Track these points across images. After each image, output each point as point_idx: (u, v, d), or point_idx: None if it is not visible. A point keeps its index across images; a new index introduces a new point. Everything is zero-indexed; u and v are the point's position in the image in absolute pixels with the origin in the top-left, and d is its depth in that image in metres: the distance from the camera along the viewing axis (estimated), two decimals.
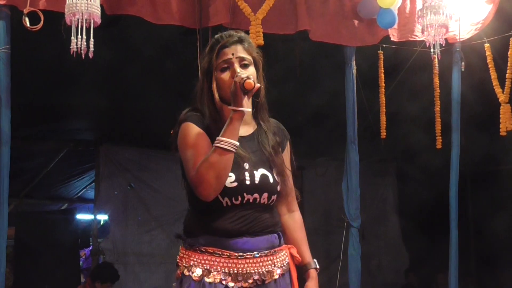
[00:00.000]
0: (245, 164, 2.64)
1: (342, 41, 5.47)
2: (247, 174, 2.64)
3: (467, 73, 5.79)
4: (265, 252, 2.66)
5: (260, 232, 2.66)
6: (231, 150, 2.51)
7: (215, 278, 2.59)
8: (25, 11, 4.28)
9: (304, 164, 9.46)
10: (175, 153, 2.70)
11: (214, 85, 2.70)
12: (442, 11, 5.06)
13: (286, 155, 2.86)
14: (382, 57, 5.74)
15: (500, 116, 5.63)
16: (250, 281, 2.62)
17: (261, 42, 4.74)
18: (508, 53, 5.52)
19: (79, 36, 4.00)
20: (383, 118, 5.84)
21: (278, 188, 2.73)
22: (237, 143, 2.53)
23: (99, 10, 4.09)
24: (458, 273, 5.72)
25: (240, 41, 2.72)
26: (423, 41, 5.36)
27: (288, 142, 2.90)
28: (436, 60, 5.63)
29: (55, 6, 4.38)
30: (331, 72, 6.16)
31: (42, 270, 8.56)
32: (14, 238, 8.72)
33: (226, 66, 2.68)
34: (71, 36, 4.02)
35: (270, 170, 2.71)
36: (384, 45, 5.71)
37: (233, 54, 2.68)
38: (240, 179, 2.62)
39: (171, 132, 2.74)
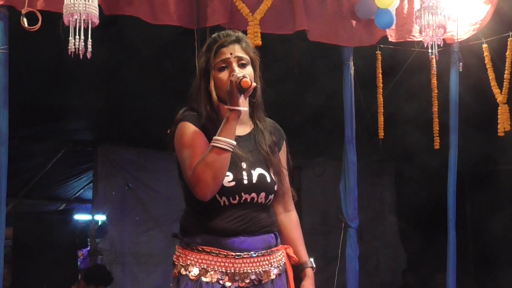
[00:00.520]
0: (242, 163, 2.64)
1: (340, 42, 5.48)
2: (244, 173, 2.64)
3: (465, 73, 5.79)
4: (262, 252, 2.66)
5: (257, 232, 2.66)
6: (228, 149, 2.51)
7: (212, 278, 2.59)
8: (23, 11, 4.28)
9: (302, 164, 9.46)
10: (172, 153, 2.70)
11: (211, 85, 2.70)
12: (440, 11, 5.07)
13: (283, 155, 2.86)
14: (380, 57, 5.75)
15: (498, 116, 5.64)
16: (247, 280, 2.62)
17: (259, 42, 4.74)
18: (506, 53, 5.53)
19: (77, 37, 4.01)
20: (381, 119, 5.85)
21: (275, 187, 2.73)
22: (234, 142, 2.53)
23: (97, 10, 4.10)
24: (456, 273, 5.73)
25: (238, 40, 2.72)
26: (421, 41, 5.36)
27: (284, 141, 2.90)
28: (434, 60, 5.64)
29: (53, 6, 4.38)
30: (329, 72, 6.17)
31: (40, 271, 8.56)
32: (12, 238, 8.72)
33: (224, 65, 2.68)
34: (69, 36, 4.03)
35: (267, 169, 2.71)
36: (382, 46, 5.72)
37: (231, 54, 2.68)
38: (237, 179, 2.62)
39: (168, 131, 2.74)
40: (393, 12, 5.33)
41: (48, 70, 6.08)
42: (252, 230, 2.64)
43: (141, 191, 8.76)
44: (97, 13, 4.10)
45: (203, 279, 2.59)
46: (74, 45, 4.00)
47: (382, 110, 5.85)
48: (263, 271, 2.65)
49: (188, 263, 2.63)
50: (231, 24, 4.92)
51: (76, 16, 4.01)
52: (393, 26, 5.46)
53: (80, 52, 4.02)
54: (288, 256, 2.79)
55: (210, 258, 2.61)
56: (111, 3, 4.69)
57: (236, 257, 2.61)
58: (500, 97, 5.64)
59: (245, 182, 2.63)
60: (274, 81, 2.88)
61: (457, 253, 5.76)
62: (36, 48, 5.45)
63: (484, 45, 5.68)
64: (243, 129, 2.74)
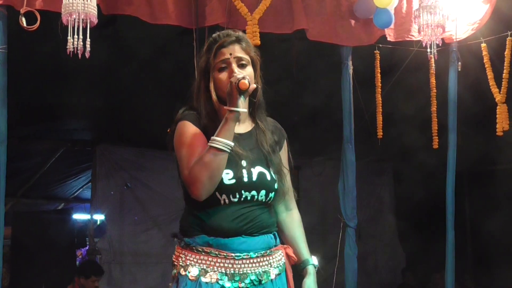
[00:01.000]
0: (242, 161, 2.64)
1: (338, 41, 5.48)
2: (244, 171, 2.64)
3: (464, 73, 5.79)
4: (261, 252, 2.66)
5: (257, 232, 2.65)
6: (225, 150, 2.51)
7: (211, 278, 2.59)
8: (22, 11, 4.28)
9: (300, 163, 9.46)
10: (172, 152, 2.69)
11: (211, 85, 2.69)
12: (438, 11, 5.07)
13: (284, 154, 2.86)
14: (379, 57, 5.75)
15: (497, 116, 5.64)
16: (247, 281, 2.62)
17: (258, 42, 4.74)
18: (505, 53, 5.53)
19: (76, 36, 4.01)
20: (379, 118, 5.85)
21: (276, 185, 2.72)
22: (232, 143, 2.52)
23: (96, 10, 4.09)
24: (454, 272, 5.74)
25: (238, 40, 2.71)
26: (419, 41, 5.36)
27: (285, 141, 2.90)
28: (433, 60, 5.64)
29: (51, 6, 4.38)
30: (327, 72, 6.17)
31: (38, 270, 8.55)
32: (11, 238, 8.71)
33: (223, 66, 2.67)
34: (67, 36, 4.02)
35: (267, 168, 2.70)
36: (380, 45, 5.71)
37: (230, 54, 2.67)
38: (238, 176, 2.61)
39: (168, 131, 2.74)
40: (392, 12, 5.34)
41: (47, 69, 6.08)
42: (252, 231, 2.64)
43: (140, 191, 8.76)
44: (96, 13, 4.09)
45: (203, 279, 2.58)
46: (73, 44, 4.00)
47: (381, 110, 5.85)
48: (262, 271, 2.65)
49: (188, 263, 2.63)
50: (229, 23, 4.92)
51: (74, 16, 4.01)
52: (392, 26, 5.47)
53: (78, 51, 4.01)
54: (288, 256, 2.79)
55: (209, 259, 2.61)
56: (110, 2, 4.68)
57: (236, 257, 2.61)
58: (498, 96, 5.64)
59: (245, 179, 2.63)
60: (272, 81, 2.88)
61: (456, 252, 5.76)
62: (34, 47, 5.45)
63: (483, 45, 5.68)
64: (244, 127, 2.74)
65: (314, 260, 2.87)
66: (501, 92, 5.62)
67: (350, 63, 5.53)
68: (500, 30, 5.62)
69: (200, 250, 2.62)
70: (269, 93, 2.86)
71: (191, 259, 2.63)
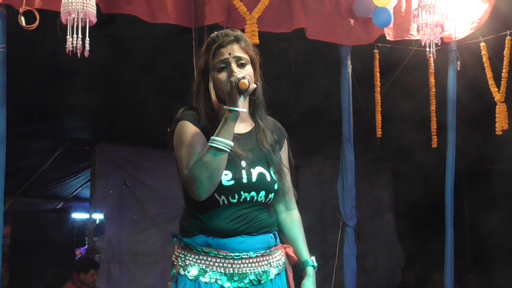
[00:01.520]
0: (242, 162, 2.63)
1: (338, 40, 5.49)
2: (244, 172, 2.63)
3: (463, 72, 5.80)
4: (261, 252, 2.65)
5: (256, 232, 2.65)
6: (225, 150, 2.49)
7: (210, 278, 2.58)
8: (21, 10, 4.28)
9: (299, 162, 9.45)
10: (172, 152, 2.68)
11: (211, 85, 2.68)
12: (437, 10, 5.07)
13: (284, 153, 2.85)
14: (378, 56, 5.75)
15: (496, 115, 5.65)
16: (246, 281, 2.61)
17: (257, 41, 4.74)
18: (504, 52, 5.53)
19: (75, 35, 4.01)
20: (378, 117, 5.85)
21: (276, 186, 2.71)
22: (231, 143, 2.51)
23: (95, 9, 4.10)
24: (453, 271, 5.74)
25: (237, 40, 2.70)
26: (418, 40, 5.37)
27: (285, 140, 2.89)
28: (432, 59, 5.65)
29: (51, 5, 4.38)
30: (326, 71, 6.17)
31: (37, 269, 8.56)
32: (10, 237, 8.71)
33: (223, 66, 2.66)
34: (66, 35, 4.02)
35: (267, 168, 2.69)
36: (379, 44, 5.72)
37: (229, 54, 2.66)
38: (237, 177, 2.60)
39: (168, 130, 2.74)
40: (391, 11, 5.34)
41: (46, 68, 6.08)
42: (252, 230, 2.63)
43: (139, 190, 8.76)
44: (95, 12, 4.10)
45: (202, 279, 2.58)
46: (72, 43, 4.00)
47: (380, 109, 5.85)
48: (262, 271, 2.64)
49: (187, 263, 2.62)
50: (228, 23, 4.92)
51: (73, 15, 4.01)
52: (391, 25, 5.47)
53: (77, 50, 4.02)
54: (288, 255, 2.79)
55: (209, 259, 2.60)
56: (109, 1, 4.68)
57: (235, 257, 2.60)
58: (497, 95, 5.64)
59: (244, 181, 2.62)
60: (271, 80, 2.87)
61: (455, 251, 5.77)
62: (33, 46, 5.46)
63: (482, 44, 5.69)
64: (243, 127, 2.73)
65: (314, 261, 2.86)
66: (500, 91, 5.63)
67: (349, 62, 5.54)
68: (499, 29, 5.62)
69: (200, 250, 2.61)
70: (268, 92, 2.86)
71: (191, 259, 2.62)
